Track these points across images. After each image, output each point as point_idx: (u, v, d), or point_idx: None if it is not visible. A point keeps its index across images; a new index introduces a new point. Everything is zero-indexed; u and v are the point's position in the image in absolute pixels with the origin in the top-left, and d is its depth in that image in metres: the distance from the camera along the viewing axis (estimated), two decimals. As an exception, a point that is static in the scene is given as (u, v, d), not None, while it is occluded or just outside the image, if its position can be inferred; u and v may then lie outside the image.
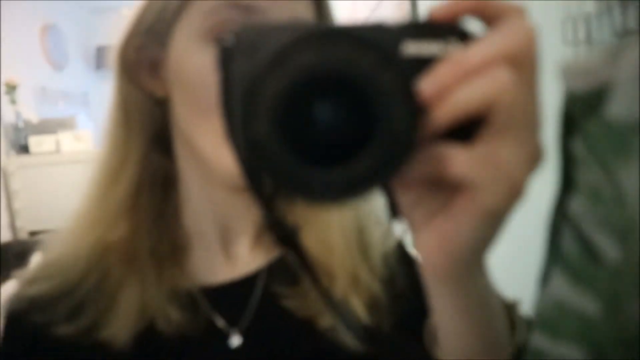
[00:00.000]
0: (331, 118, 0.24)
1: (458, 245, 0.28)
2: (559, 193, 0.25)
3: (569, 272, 0.24)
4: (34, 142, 3.33)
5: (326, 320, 0.51)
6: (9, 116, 3.34)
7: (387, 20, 0.26)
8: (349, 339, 0.50)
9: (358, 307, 0.52)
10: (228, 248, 0.57)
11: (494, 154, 0.25)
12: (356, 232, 0.57)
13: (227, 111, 0.28)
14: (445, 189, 0.28)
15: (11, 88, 3.24)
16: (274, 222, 0.34)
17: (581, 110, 0.21)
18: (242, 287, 0.55)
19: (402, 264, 0.57)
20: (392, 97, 0.23)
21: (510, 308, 0.39)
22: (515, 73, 0.24)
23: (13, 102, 3.26)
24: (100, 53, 4.71)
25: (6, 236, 3.19)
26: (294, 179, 0.24)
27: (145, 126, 0.53)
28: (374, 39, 0.23)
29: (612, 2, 0.83)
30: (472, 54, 0.25)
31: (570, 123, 0.22)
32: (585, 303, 0.23)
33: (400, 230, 0.59)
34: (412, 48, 0.25)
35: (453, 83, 0.25)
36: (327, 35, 0.23)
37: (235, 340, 0.52)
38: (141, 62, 0.52)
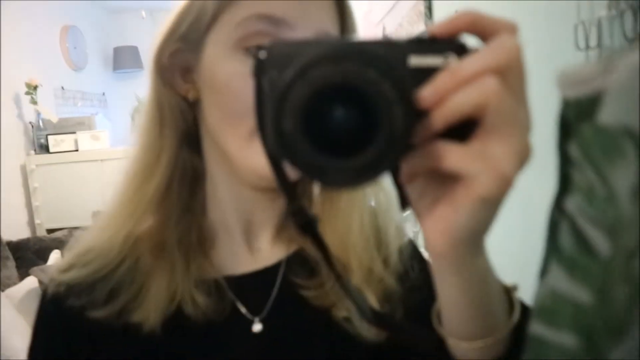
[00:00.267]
0: (344, 118, 0.30)
1: (457, 229, 0.32)
2: (557, 191, 0.27)
3: (565, 264, 0.26)
4: (53, 141, 3.39)
5: (342, 311, 0.55)
6: (29, 116, 3.41)
7: (397, 34, 0.30)
8: (363, 329, 0.53)
9: (371, 299, 0.55)
10: (251, 241, 0.60)
11: (486, 150, 0.30)
12: (374, 230, 0.60)
13: (259, 111, 0.33)
14: (445, 182, 0.32)
15: (32, 88, 3.30)
16: (296, 209, 0.38)
17: (576, 116, 0.24)
18: (263, 277, 0.59)
19: (414, 259, 0.61)
20: (391, 102, 0.28)
21: (508, 291, 0.42)
22: (502, 82, 0.29)
23: (33, 102, 3.32)
24: (117, 54, 4.78)
25: (25, 233, 3.26)
26: (314, 166, 0.29)
27: (177, 125, 0.57)
28: (379, 54, 0.28)
29: (623, 6, 0.84)
30: (466, 66, 0.30)
31: (567, 127, 0.24)
32: (580, 293, 0.25)
33: (412, 227, 0.62)
34: (417, 61, 0.31)
35: (450, 90, 0.29)
36: (341, 52, 0.28)
37: (257, 326, 0.56)
38: (174, 67, 0.56)
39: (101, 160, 3.35)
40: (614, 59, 0.24)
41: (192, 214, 0.58)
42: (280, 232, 0.61)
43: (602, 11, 0.89)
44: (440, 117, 0.30)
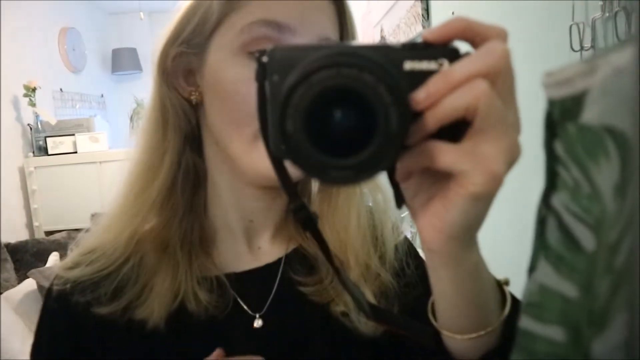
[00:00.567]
0: (343, 120, 0.31)
1: (450, 225, 0.34)
2: (545, 189, 0.28)
3: (553, 259, 0.26)
4: (51, 143, 3.39)
5: (340, 306, 0.57)
6: (27, 118, 3.41)
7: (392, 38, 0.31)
8: (361, 323, 0.55)
9: (368, 294, 0.57)
10: (251, 240, 0.62)
11: (476, 149, 0.31)
12: (371, 228, 0.62)
13: (261, 114, 0.35)
14: (438, 180, 0.34)
15: (30, 90, 3.30)
16: (298, 206, 0.40)
17: (561, 115, 0.24)
18: (264, 274, 0.60)
19: (410, 256, 0.62)
20: (387, 104, 0.29)
21: (500, 285, 0.43)
22: (492, 85, 0.31)
23: (32, 104, 3.32)
24: (116, 56, 4.79)
25: (24, 235, 3.26)
26: (315, 165, 0.31)
27: (180, 127, 0.58)
28: (376, 59, 0.30)
29: (616, 8, 0.85)
30: (457, 70, 0.31)
31: (553, 126, 0.25)
32: (566, 287, 0.26)
33: (410, 227, 0.63)
34: (411, 65, 0.33)
35: (442, 93, 0.31)
36: (340, 58, 0.30)
37: (258, 322, 0.58)
38: (177, 69, 0.57)
39: (100, 162, 3.36)
40: (598, 59, 0.24)
41: (194, 214, 0.60)
42: (279, 230, 0.63)
43: (596, 12, 0.90)
44: (434, 118, 0.32)
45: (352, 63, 0.30)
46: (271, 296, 0.59)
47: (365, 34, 2.69)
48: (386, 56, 0.32)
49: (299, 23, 0.51)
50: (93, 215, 2.74)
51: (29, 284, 2.46)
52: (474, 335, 0.39)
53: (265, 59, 0.34)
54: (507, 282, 0.43)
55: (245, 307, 0.58)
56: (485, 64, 0.31)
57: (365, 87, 0.29)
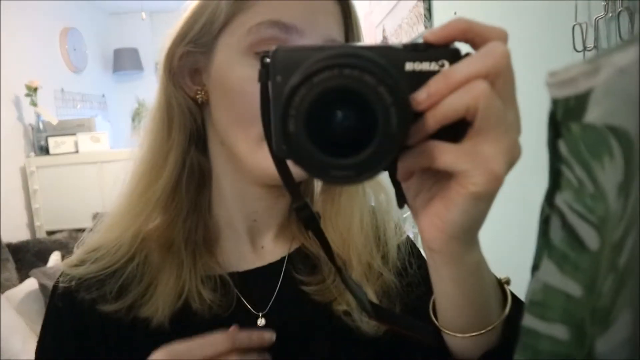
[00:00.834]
0: (345, 120, 0.32)
1: (451, 224, 0.34)
2: (549, 188, 0.28)
3: (556, 258, 0.26)
4: (53, 143, 3.40)
5: (342, 305, 0.57)
6: (29, 117, 3.41)
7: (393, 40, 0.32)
8: (363, 323, 0.55)
9: (370, 294, 0.57)
10: (254, 239, 0.62)
11: (477, 149, 0.32)
12: (373, 228, 0.63)
13: (264, 113, 0.36)
14: (439, 180, 0.35)
15: (32, 90, 3.31)
16: (301, 205, 0.40)
17: (564, 115, 0.24)
18: (267, 273, 0.61)
19: (412, 256, 0.63)
20: (388, 104, 0.30)
21: (501, 283, 0.43)
22: (492, 85, 0.31)
23: (33, 103, 3.33)
24: (117, 56, 4.79)
25: (25, 235, 3.26)
26: (316, 164, 0.31)
27: (185, 126, 0.58)
28: (377, 61, 0.31)
29: (619, 8, 0.85)
30: (458, 71, 0.32)
31: (557, 126, 0.25)
32: (570, 285, 0.26)
33: (412, 228, 0.64)
34: (412, 66, 0.33)
35: (442, 94, 0.32)
36: (341, 59, 0.30)
37: (261, 320, 0.58)
38: (183, 68, 0.57)
39: (101, 162, 3.36)
40: (601, 59, 0.24)
41: (199, 213, 0.60)
42: (282, 230, 0.63)
43: (599, 13, 0.90)
44: (434, 119, 0.32)
45: (354, 64, 0.30)
46: (274, 295, 0.59)
47: (368, 34, 2.69)
48: (387, 57, 0.33)
49: (305, 24, 0.51)
50: (94, 215, 2.74)
51: (31, 284, 2.47)
52: (475, 334, 0.40)
53: (268, 59, 0.34)
54: (507, 281, 0.43)
55: (248, 306, 0.59)
56: (485, 65, 0.32)
57: (366, 87, 0.30)
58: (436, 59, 0.33)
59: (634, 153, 0.22)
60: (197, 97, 0.57)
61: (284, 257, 0.62)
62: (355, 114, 0.31)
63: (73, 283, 0.58)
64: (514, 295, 0.43)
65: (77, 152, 3.43)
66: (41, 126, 3.44)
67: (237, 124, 0.53)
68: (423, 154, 0.33)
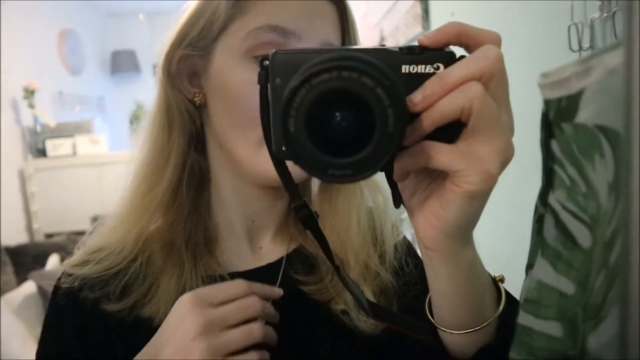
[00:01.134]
0: (343, 121, 0.33)
1: (446, 222, 0.35)
2: (542, 187, 0.28)
3: (550, 256, 0.27)
4: (51, 145, 3.39)
5: (340, 304, 0.58)
6: (27, 120, 3.41)
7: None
8: (361, 321, 0.56)
9: (368, 293, 0.58)
10: (253, 240, 0.63)
11: (471, 149, 0.33)
12: (371, 228, 0.63)
13: (264, 115, 0.37)
14: (434, 180, 0.36)
15: (29, 92, 3.30)
16: (300, 205, 0.41)
17: (557, 115, 0.25)
18: (266, 273, 0.61)
19: (409, 255, 0.64)
20: (385, 106, 0.30)
21: (495, 281, 0.44)
22: (486, 87, 0.32)
23: (31, 106, 3.32)
24: (115, 58, 4.79)
25: (23, 238, 3.26)
26: (315, 163, 0.32)
27: (185, 128, 0.59)
28: (374, 63, 0.31)
29: (614, 8, 0.85)
30: (452, 73, 0.33)
31: (549, 126, 0.26)
32: (563, 283, 0.26)
33: (410, 229, 0.65)
34: (408, 68, 0.35)
35: (437, 95, 0.33)
36: (340, 61, 0.31)
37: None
38: (182, 71, 0.57)
39: (99, 164, 3.35)
40: (592, 60, 0.25)
41: (199, 214, 0.61)
42: (281, 231, 0.64)
43: (594, 13, 0.91)
44: (429, 120, 0.33)
45: (352, 66, 0.31)
46: None
47: (365, 34, 2.69)
48: (384, 60, 0.33)
49: (303, 29, 0.52)
50: (93, 218, 2.73)
51: (29, 287, 2.46)
52: (470, 330, 0.40)
53: (267, 62, 0.35)
54: (502, 279, 0.44)
55: None
56: (479, 68, 0.32)
57: (364, 89, 0.31)
58: (431, 62, 0.34)
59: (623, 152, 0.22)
60: (195, 99, 0.58)
61: (283, 258, 0.62)
62: (353, 114, 0.32)
63: (76, 283, 0.58)
64: (507, 293, 0.43)
65: (75, 154, 3.42)
66: (39, 129, 3.43)
67: (236, 127, 0.54)
68: (419, 154, 0.34)
